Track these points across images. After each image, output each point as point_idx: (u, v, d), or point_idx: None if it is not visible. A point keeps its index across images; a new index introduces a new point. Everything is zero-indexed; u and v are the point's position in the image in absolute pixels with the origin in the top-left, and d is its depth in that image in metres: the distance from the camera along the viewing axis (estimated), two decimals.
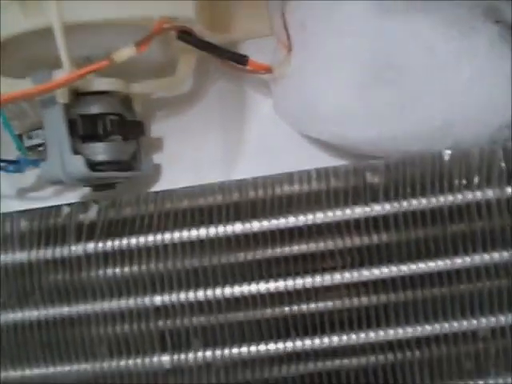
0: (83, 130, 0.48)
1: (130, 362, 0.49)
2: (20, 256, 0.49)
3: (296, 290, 0.48)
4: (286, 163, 0.52)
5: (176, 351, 0.49)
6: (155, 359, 0.49)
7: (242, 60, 0.48)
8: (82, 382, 0.49)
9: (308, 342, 0.48)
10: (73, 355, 0.49)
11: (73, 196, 0.56)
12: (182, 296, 0.48)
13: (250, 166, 0.55)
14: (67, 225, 0.49)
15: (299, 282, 0.47)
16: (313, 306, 0.48)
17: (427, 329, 0.47)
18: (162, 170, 0.56)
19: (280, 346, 0.48)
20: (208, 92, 0.58)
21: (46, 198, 0.57)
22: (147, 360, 0.49)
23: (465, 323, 0.46)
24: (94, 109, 0.49)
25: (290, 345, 0.48)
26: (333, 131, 0.48)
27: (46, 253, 0.49)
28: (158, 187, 0.56)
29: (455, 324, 0.46)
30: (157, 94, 0.57)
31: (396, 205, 0.47)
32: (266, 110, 0.56)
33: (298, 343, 0.48)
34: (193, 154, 0.57)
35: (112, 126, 0.50)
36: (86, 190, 0.55)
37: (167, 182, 0.56)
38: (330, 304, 0.47)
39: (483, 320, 0.46)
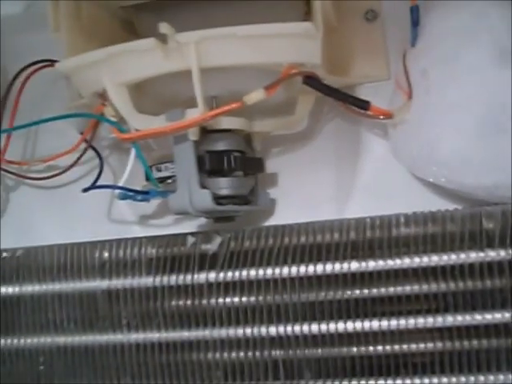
0: (210, 166, 0.51)
1: None
2: (146, 280, 0.52)
3: (406, 330, 0.49)
4: (397, 205, 0.53)
5: (288, 380, 0.50)
6: None
7: (364, 105, 0.50)
8: None
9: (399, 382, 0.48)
10: (190, 378, 0.52)
11: (191, 225, 0.59)
12: (297, 328, 0.50)
13: (362, 206, 0.57)
14: (191, 254, 0.52)
15: (413, 322, 0.48)
16: (421, 345, 0.49)
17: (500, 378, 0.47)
18: (277, 205, 0.59)
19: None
20: (322, 131, 0.60)
21: (166, 226, 0.60)
22: None
23: None
24: (220, 146, 0.52)
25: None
26: (449, 177, 0.49)
27: (171, 279, 0.52)
28: (272, 221, 0.58)
29: None
30: (274, 131, 0.59)
31: (510, 251, 0.47)
32: (379, 150, 0.57)
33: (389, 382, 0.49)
34: (306, 191, 0.59)
35: (236, 163, 0.52)
36: (205, 220, 0.58)
37: (281, 216, 0.58)
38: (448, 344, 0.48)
39: None
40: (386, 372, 0.49)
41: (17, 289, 0.56)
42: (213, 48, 0.48)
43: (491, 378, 0.47)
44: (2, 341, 0.56)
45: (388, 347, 0.49)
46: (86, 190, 0.54)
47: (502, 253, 0.47)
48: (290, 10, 0.57)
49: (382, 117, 0.51)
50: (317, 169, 0.59)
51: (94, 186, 0.55)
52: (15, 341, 0.56)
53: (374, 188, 0.57)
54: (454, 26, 0.50)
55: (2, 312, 0.56)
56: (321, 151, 0.59)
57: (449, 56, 0.49)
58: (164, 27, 0.47)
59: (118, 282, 0.53)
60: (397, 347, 0.49)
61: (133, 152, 0.51)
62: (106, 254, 0.54)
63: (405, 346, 0.49)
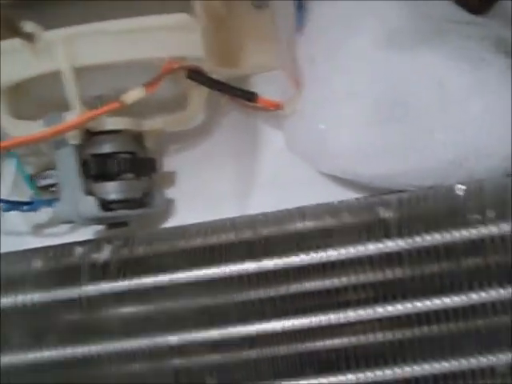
0: (95, 170, 0.49)
1: None
2: (33, 296, 0.49)
3: (310, 327, 0.47)
4: (298, 197, 0.51)
5: None
6: None
7: (251, 97, 0.48)
8: None
9: (324, 381, 0.47)
10: None
11: (87, 232, 0.56)
12: (197, 335, 0.48)
13: (263, 200, 0.55)
14: (81, 264, 0.49)
15: (314, 320, 0.47)
16: (328, 342, 0.47)
17: (445, 366, 0.46)
18: (176, 205, 0.56)
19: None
20: (220, 125, 0.58)
21: (62, 235, 0.57)
22: None
23: (483, 360, 0.45)
24: (106, 148, 0.50)
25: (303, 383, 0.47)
26: (344, 167, 0.48)
27: (59, 292, 0.49)
28: (171, 222, 0.56)
29: (473, 360, 0.46)
30: (167, 129, 0.57)
31: (409, 240, 0.46)
32: (278, 143, 0.55)
33: (313, 381, 0.47)
34: (207, 189, 0.57)
35: (124, 165, 0.50)
36: (92, 228, 0.55)
37: (180, 217, 0.56)
38: (344, 341, 0.47)
39: (501, 356, 0.45)
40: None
41: None
42: (84, 46, 0.45)
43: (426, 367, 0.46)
44: None
45: (297, 345, 0.47)
46: None
47: (400, 243, 0.46)
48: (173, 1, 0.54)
49: (272, 108, 0.49)
50: (216, 165, 0.57)
51: None
52: None
53: (274, 182, 0.56)
54: (339, 11, 0.48)
55: None
56: (220, 146, 0.57)
57: (336, 43, 0.48)
58: (30, 26, 0.44)
59: (6, 300, 0.49)
60: (302, 346, 0.47)
61: (11, 161, 0.48)
62: None
63: (311, 344, 0.47)
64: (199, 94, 0.54)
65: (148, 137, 0.54)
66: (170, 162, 0.58)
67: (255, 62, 0.55)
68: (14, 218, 0.58)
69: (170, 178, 0.57)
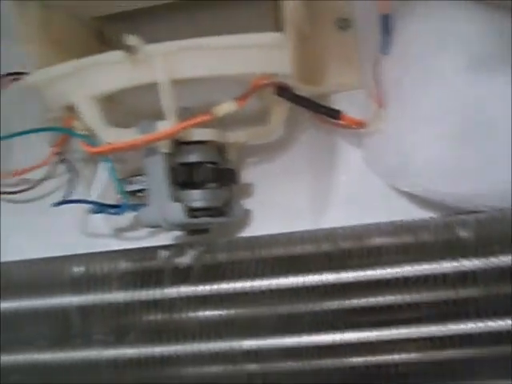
0: (182, 178, 0.51)
1: None
2: (117, 296, 0.52)
3: (381, 341, 0.48)
4: (374, 214, 0.53)
5: None
6: None
7: (335, 115, 0.50)
8: None
9: None
10: None
11: (166, 237, 0.58)
12: (273, 341, 0.50)
13: (338, 216, 0.56)
14: (164, 267, 0.51)
15: (385, 333, 0.48)
16: (403, 356, 0.48)
17: None
18: (253, 216, 0.58)
19: None
20: (298, 140, 0.59)
21: (141, 239, 0.60)
22: None
23: None
24: (193, 157, 0.52)
25: None
26: (424, 186, 0.49)
27: (142, 293, 0.51)
28: (248, 232, 0.58)
29: None
30: (248, 142, 0.59)
31: (485, 260, 0.47)
32: (355, 160, 0.57)
33: None
34: (282, 201, 0.58)
35: (209, 174, 0.52)
36: (176, 232, 0.58)
37: (257, 227, 0.58)
38: (419, 356, 0.48)
39: None
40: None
41: None
42: (181, 60, 0.47)
43: None
44: None
45: (367, 358, 0.49)
46: (56, 204, 0.53)
47: (476, 262, 0.47)
48: (258, 18, 0.56)
49: (354, 126, 0.50)
50: (293, 179, 0.59)
51: (64, 201, 0.55)
52: None
53: (350, 198, 0.57)
54: (424, 33, 0.50)
55: None
56: (296, 161, 0.59)
57: (420, 64, 0.49)
58: (132, 39, 0.46)
59: (89, 298, 0.52)
60: (373, 359, 0.49)
61: (104, 166, 0.51)
62: (78, 269, 0.53)
63: (381, 357, 0.48)
64: (281, 110, 0.56)
65: (230, 148, 0.56)
66: (247, 174, 0.59)
67: (336, 80, 0.57)
68: (96, 220, 0.61)
69: (247, 190, 0.59)
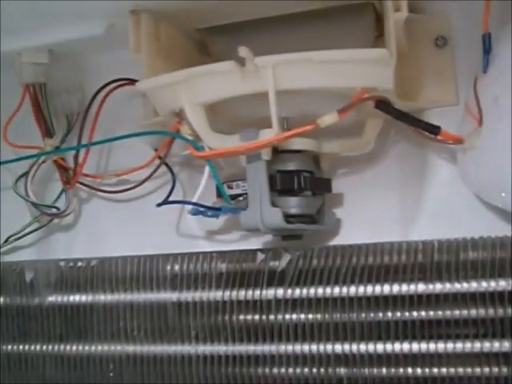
0: (281, 185, 0.53)
1: None
2: (215, 294, 0.54)
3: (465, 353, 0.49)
4: (462, 229, 0.54)
5: None
6: None
7: (435, 130, 0.51)
8: None
9: None
10: None
11: (257, 242, 0.61)
12: (362, 347, 0.51)
13: (426, 229, 0.57)
14: (261, 270, 0.53)
15: (477, 345, 0.49)
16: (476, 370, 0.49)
17: None
18: (342, 225, 0.60)
19: None
20: (389, 154, 0.61)
21: (232, 242, 0.62)
22: None
23: None
24: (291, 166, 0.54)
25: None
26: None
27: (240, 294, 0.53)
28: (337, 241, 0.59)
29: None
30: (341, 153, 0.60)
31: None
32: (446, 174, 0.58)
33: None
34: (371, 212, 0.60)
35: (305, 183, 0.54)
36: (270, 237, 0.60)
37: (346, 236, 0.59)
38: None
39: None
40: None
41: (90, 297, 0.58)
42: (289, 72, 0.49)
43: None
44: (74, 347, 0.58)
45: (452, 369, 0.50)
46: (160, 204, 0.56)
47: None
48: (360, 33, 0.58)
49: (451, 142, 0.51)
50: (382, 191, 0.60)
51: (167, 201, 0.57)
52: (86, 347, 0.58)
53: (438, 211, 0.58)
54: None
55: (75, 319, 0.58)
56: (387, 173, 0.60)
57: None
58: (243, 51, 0.49)
59: (188, 295, 0.55)
60: (461, 370, 0.50)
61: (207, 169, 0.53)
62: (178, 267, 0.55)
63: (469, 370, 0.49)
64: (376, 124, 0.57)
65: (324, 159, 0.57)
66: (338, 185, 0.61)
67: (432, 97, 0.58)
68: (190, 221, 0.63)
69: (338, 199, 0.61)
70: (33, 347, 0.61)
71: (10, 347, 0.62)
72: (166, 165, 0.62)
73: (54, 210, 0.64)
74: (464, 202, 0.57)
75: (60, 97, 0.66)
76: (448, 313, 0.50)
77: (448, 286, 0.50)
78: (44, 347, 0.60)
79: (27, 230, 0.67)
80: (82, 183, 0.65)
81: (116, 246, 0.64)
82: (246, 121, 0.54)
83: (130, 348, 0.57)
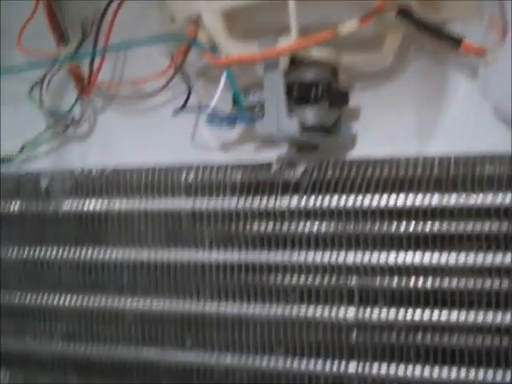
0: (298, 95, 0.52)
1: (318, 311, 0.53)
2: (229, 203, 0.54)
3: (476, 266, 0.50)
4: (480, 145, 0.53)
5: (362, 308, 0.52)
6: (341, 312, 0.53)
7: (457, 42, 0.50)
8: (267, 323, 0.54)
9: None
10: (266, 299, 0.54)
11: (271, 154, 0.60)
12: (374, 258, 0.51)
13: (443, 145, 0.57)
14: (275, 180, 0.53)
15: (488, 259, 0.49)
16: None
17: None
18: (358, 140, 0.59)
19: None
20: (407, 69, 0.59)
21: (246, 154, 0.62)
22: (333, 311, 0.53)
23: None
24: (309, 76, 0.53)
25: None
26: None
27: (254, 203, 0.54)
28: (352, 155, 0.59)
29: None
30: (359, 66, 0.59)
31: None
32: (465, 90, 0.57)
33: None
34: (388, 127, 0.59)
35: (322, 93, 0.53)
36: (285, 149, 0.59)
37: (361, 151, 0.59)
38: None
39: None
40: (459, 305, 0.49)
41: (105, 204, 0.59)
42: None
43: None
44: (89, 253, 0.59)
45: (462, 282, 0.50)
46: (175, 112, 0.56)
47: None
48: None
49: (473, 54, 0.50)
50: (400, 106, 0.59)
51: (183, 109, 0.57)
52: (101, 254, 0.59)
53: (456, 127, 0.57)
54: None
55: (90, 226, 0.59)
56: (405, 89, 0.59)
57: None
58: None
59: (202, 203, 0.55)
60: (471, 283, 0.50)
61: (223, 77, 0.52)
62: (192, 177, 0.56)
63: (479, 283, 0.50)
64: (395, 37, 0.56)
65: (342, 71, 0.56)
66: (355, 99, 0.60)
67: (455, 9, 0.57)
68: (205, 132, 0.63)
69: (354, 114, 0.60)
70: (48, 253, 0.62)
71: (26, 252, 0.62)
72: (182, 74, 0.61)
73: (69, 119, 0.64)
74: (483, 118, 0.56)
75: (74, 3, 0.64)
76: (461, 226, 0.49)
77: (463, 199, 0.49)
78: (59, 253, 0.61)
79: (42, 139, 0.67)
80: (97, 92, 0.64)
81: (130, 155, 0.64)
82: (264, 30, 0.53)
83: (144, 254, 0.57)
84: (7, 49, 0.67)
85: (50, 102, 0.64)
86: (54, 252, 0.61)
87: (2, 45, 0.69)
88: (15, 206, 0.63)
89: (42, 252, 0.62)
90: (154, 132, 0.64)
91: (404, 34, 0.55)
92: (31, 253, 0.62)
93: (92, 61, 0.62)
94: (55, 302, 0.62)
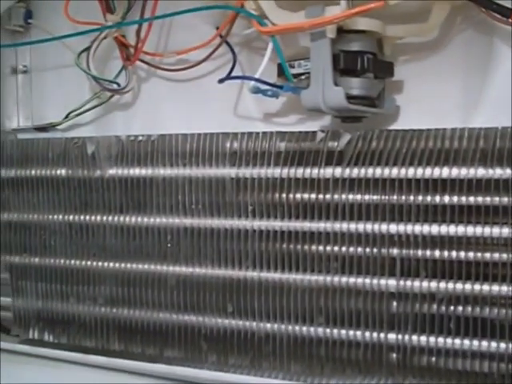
0: (345, 65, 0.52)
1: (359, 280, 0.53)
2: (273, 171, 0.55)
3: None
4: None
5: (403, 278, 0.52)
6: (382, 282, 0.53)
7: (506, 13, 0.50)
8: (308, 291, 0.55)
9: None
10: (308, 267, 0.55)
11: (314, 125, 0.61)
12: (417, 228, 0.52)
13: (488, 118, 0.56)
14: (320, 149, 0.54)
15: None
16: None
17: None
18: (402, 112, 0.59)
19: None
20: (453, 41, 0.59)
21: (289, 125, 0.62)
22: (375, 281, 0.53)
23: None
24: (355, 46, 0.53)
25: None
26: None
27: (298, 172, 0.54)
28: (396, 127, 0.59)
29: None
30: (404, 38, 0.59)
31: None
32: (510, 62, 0.56)
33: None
34: (432, 100, 0.59)
35: (368, 64, 0.53)
36: (328, 121, 0.60)
37: (405, 123, 0.59)
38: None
39: None
40: (501, 278, 0.50)
41: (150, 171, 0.60)
42: None
43: None
44: (134, 218, 0.60)
45: (504, 256, 0.50)
46: (221, 80, 0.56)
47: None
48: None
49: None
50: (444, 79, 0.59)
51: (229, 77, 0.57)
52: (145, 219, 0.60)
53: (502, 99, 0.57)
54: None
55: (134, 192, 0.60)
56: (450, 61, 0.59)
57: None
58: None
59: (246, 171, 0.56)
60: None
61: (270, 46, 0.53)
62: (237, 145, 0.56)
63: None
64: (442, 8, 0.56)
65: (387, 42, 0.56)
66: (400, 71, 0.60)
67: None
68: (249, 102, 0.63)
69: (399, 86, 0.60)
70: (93, 217, 0.63)
71: (72, 217, 0.64)
72: (227, 43, 0.61)
73: (115, 86, 0.65)
74: None
75: None
76: (505, 199, 0.49)
77: (508, 172, 0.49)
78: (104, 218, 0.62)
79: (87, 107, 0.68)
80: (142, 61, 0.65)
81: (174, 124, 0.65)
82: (311, 1, 0.53)
83: (188, 221, 0.58)
84: (54, 17, 0.68)
85: (95, 70, 0.65)
86: (99, 217, 0.63)
87: (49, 13, 0.70)
88: (62, 171, 0.64)
89: (87, 217, 0.63)
90: (198, 102, 0.65)
91: (451, 6, 0.54)
92: (76, 217, 0.64)
93: (138, 30, 0.62)
94: (99, 266, 0.63)
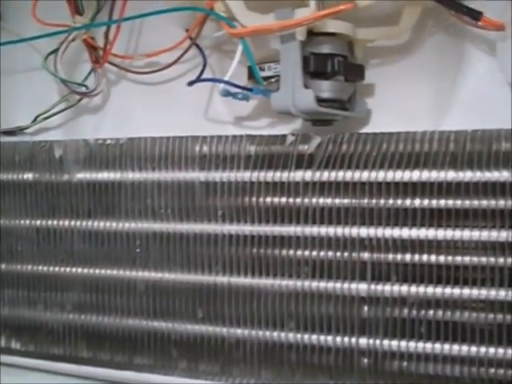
0: (314, 67, 0.52)
1: (330, 284, 0.53)
2: (243, 175, 0.54)
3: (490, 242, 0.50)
4: (496, 122, 0.53)
5: (374, 282, 0.52)
6: (353, 286, 0.53)
7: (476, 15, 0.50)
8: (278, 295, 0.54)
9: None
10: (278, 271, 0.54)
11: (285, 128, 0.60)
12: (387, 232, 0.51)
13: (459, 121, 0.56)
14: (289, 153, 0.53)
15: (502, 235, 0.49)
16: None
17: None
18: (373, 115, 0.59)
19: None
20: (424, 44, 0.59)
21: (259, 128, 0.62)
22: (345, 285, 0.53)
23: None
24: (325, 49, 0.53)
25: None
26: None
27: (267, 175, 0.53)
28: (367, 130, 0.59)
29: None
30: (375, 41, 0.59)
31: None
32: (482, 65, 0.56)
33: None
34: (403, 103, 0.59)
35: (339, 67, 0.53)
36: (298, 124, 0.59)
37: (376, 126, 0.58)
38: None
39: None
40: (471, 281, 0.49)
41: (118, 175, 0.59)
42: None
43: None
44: (102, 223, 0.59)
45: (475, 259, 0.50)
46: (191, 82, 0.56)
47: None
48: None
49: (492, 28, 0.50)
50: (416, 82, 0.59)
51: (199, 80, 0.57)
52: (114, 224, 0.59)
53: (473, 103, 0.57)
54: None
55: (103, 196, 0.59)
56: (421, 64, 0.59)
57: None
58: None
59: (216, 175, 0.55)
60: (483, 259, 0.50)
61: (240, 49, 0.52)
62: (206, 148, 0.56)
63: (492, 259, 0.49)
64: (413, 12, 0.55)
65: (358, 45, 0.56)
66: (370, 75, 0.60)
67: None
68: (219, 106, 0.63)
69: (370, 89, 0.60)
70: (61, 222, 0.62)
71: (39, 222, 0.63)
72: (197, 46, 0.61)
73: (83, 89, 0.64)
74: (499, 94, 0.56)
75: None
76: (476, 202, 0.49)
77: (478, 174, 0.49)
78: (72, 222, 0.61)
79: (55, 110, 0.67)
80: (111, 63, 0.64)
81: (144, 127, 0.64)
82: (281, 2, 0.53)
83: (157, 225, 0.58)
84: (22, 19, 0.67)
85: (65, 73, 0.64)
86: (67, 222, 0.62)
87: (17, 15, 0.69)
88: (29, 175, 0.63)
89: (55, 222, 0.62)
90: (168, 104, 0.64)
91: (422, 9, 0.54)
92: (44, 222, 0.62)
93: (107, 31, 0.61)
94: (67, 271, 0.62)
